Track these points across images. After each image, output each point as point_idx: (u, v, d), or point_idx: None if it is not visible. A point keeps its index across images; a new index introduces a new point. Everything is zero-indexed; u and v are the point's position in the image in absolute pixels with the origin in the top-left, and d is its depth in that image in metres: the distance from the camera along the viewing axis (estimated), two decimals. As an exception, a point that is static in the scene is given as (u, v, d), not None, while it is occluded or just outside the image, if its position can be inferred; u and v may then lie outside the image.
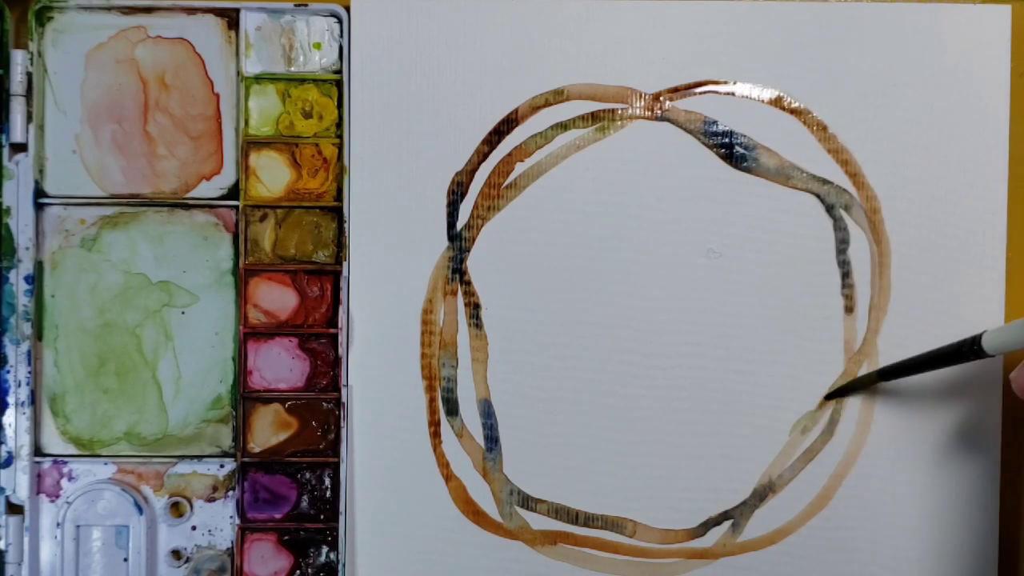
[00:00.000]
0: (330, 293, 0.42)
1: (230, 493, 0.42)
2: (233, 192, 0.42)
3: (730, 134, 0.41)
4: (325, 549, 0.41)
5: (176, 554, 0.42)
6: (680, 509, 0.42)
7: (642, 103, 0.41)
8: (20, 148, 0.41)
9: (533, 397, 0.42)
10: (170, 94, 0.42)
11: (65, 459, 0.41)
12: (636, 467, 0.42)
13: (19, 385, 0.41)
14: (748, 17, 0.41)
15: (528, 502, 0.42)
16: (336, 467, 0.41)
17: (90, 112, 0.41)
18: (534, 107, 0.41)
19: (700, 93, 0.41)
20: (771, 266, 0.42)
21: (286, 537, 0.41)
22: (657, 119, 0.41)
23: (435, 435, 0.42)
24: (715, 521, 0.42)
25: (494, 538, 0.42)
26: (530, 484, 0.42)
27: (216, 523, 0.42)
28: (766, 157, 0.41)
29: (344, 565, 0.41)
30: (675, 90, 0.41)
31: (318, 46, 0.41)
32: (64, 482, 0.41)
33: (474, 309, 0.42)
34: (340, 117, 0.41)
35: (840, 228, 0.42)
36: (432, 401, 0.42)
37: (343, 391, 0.41)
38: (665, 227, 0.42)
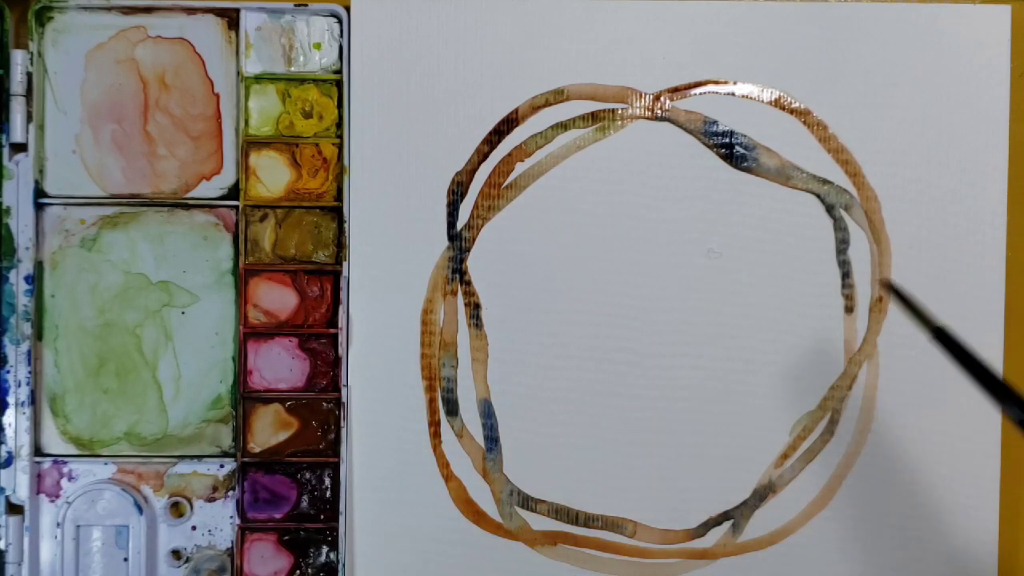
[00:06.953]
0: (330, 293, 0.42)
1: (230, 493, 0.42)
2: (233, 192, 0.42)
3: (730, 134, 0.41)
4: (325, 549, 0.41)
5: (176, 554, 0.42)
6: (680, 509, 0.42)
7: (642, 103, 0.41)
8: (20, 148, 0.41)
9: (533, 397, 0.42)
10: (170, 94, 0.42)
11: (65, 459, 0.41)
12: (636, 467, 0.42)
13: (19, 385, 0.41)
14: (748, 17, 0.41)
15: (528, 502, 0.42)
16: (336, 467, 0.41)
17: (90, 112, 0.41)
18: (534, 107, 0.41)
19: (700, 93, 0.41)
20: (771, 266, 0.42)
21: (286, 537, 0.41)
22: (657, 119, 0.41)
23: (435, 435, 0.42)
24: (715, 521, 0.42)
25: (494, 538, 0.42)
26: (530, 484, 0.42)
27: (216, 523, 0.42)
28: (766, 157, 0.41)
29: (344, 565, 0.41)
30: (675, 90, 0.41)
31: (318, 46, 0.41)
32: (64, 482, 0.41)
33: (474, 309, 0.41)
34: (340, 117, 0.41)
35: (840, 228, 0.42)
36: (432, 401, 0.42)
37: (343, 391, 0.41)
38: (665, 227, 0.41)
